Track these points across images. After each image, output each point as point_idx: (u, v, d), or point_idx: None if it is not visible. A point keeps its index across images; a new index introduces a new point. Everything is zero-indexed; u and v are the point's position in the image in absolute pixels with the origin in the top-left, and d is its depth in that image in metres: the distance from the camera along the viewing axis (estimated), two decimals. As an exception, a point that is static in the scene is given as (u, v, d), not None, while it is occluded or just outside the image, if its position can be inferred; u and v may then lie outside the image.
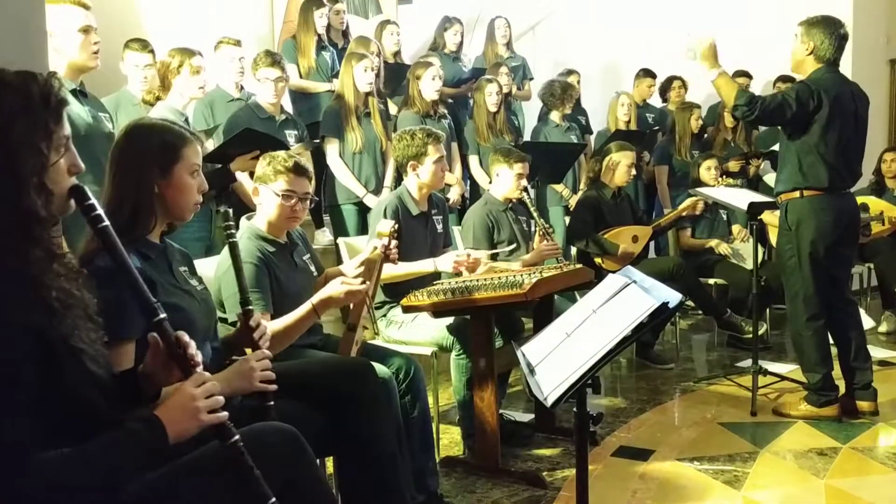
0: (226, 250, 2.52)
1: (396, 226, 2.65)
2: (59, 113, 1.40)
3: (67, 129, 1.42)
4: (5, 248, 1.30)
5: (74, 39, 2.96)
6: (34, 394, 1.28)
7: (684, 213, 4.82)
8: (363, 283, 2.45)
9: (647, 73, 6.41)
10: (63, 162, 1.40)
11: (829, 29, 3.38)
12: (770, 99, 3.39)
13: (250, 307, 1.92)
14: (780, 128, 3.60)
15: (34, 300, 1.30)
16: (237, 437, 1.48)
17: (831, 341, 3.59)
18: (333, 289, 2.40)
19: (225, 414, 1.48)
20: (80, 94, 3.02)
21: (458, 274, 3.18)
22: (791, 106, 3.32)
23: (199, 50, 3.60)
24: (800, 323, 3.53)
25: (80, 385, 1.34)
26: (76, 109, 2.84)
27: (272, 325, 2.36)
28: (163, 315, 1.49)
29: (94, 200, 1.46)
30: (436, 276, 3.27)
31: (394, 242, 2.60)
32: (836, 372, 3.58)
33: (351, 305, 2.68)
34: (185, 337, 1.52)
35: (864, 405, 3.54)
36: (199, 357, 1.52)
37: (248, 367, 1.85)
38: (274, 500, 1.49)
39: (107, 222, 1.47)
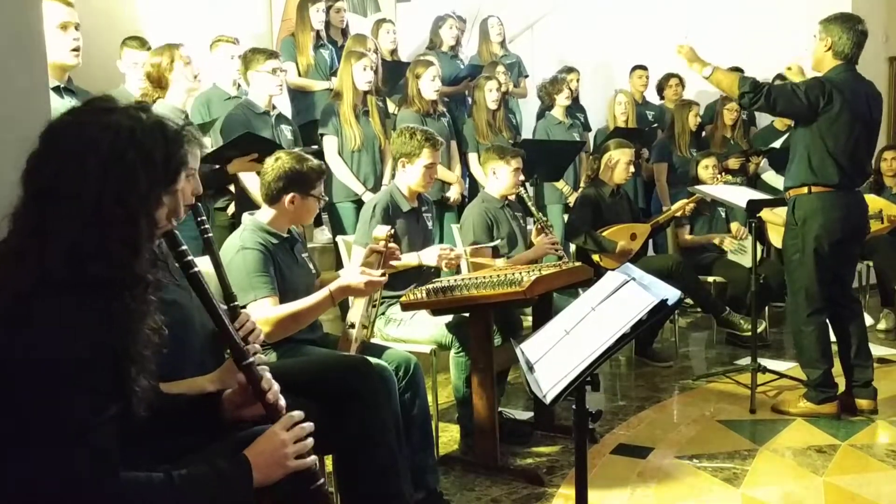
0: (227, 242, 2.56)
1: (392, 231, 2.67)
2: (176, 177, 1.40)
3: (179, 185, 1.42)
4: (115, 305, 1.30)
5: (52, 36, 2.92)
6: (114, 406, 1.30)
7: (678, 214, 4.81)
8: (382, 274, 2.47)
9: (638, 67, 6.43)
10: (166, 213, 1.41)
11: (847, 24, 3.35)
12: (780, 87, 3.36)
13: (236, 303, 1.92)
14: (791, 121, 3.58)
15: (123, 342, 1.31)
16: (322, 480, 1.51)
17: (832, 338, 3.59)
18: (353, 278, 2.43)
19: (313, 458, 1.51)
20: (65, 91, 3.00)
21: (457, 271, 3.18)
22: (800, 98, 3.30)
23: (181, 42, 3.55)
24: (801, 318, 3.52)
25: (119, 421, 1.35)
26: (60, 108, 2.82)
27: (286, 309, 2.39)
28: (252, 359, 1.54)
29: (185, 246, 1.51)
30: (436, 273, 3.28)
31: (392, 244, 2.61)
32: (836, 369, 3.58)
33: (350, 304, 2.69)
34: (270, 379, 1.56)
35: (863, 403, 3.53)
36: (282, 401, 1.56)
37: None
38: None
39: (198, 268, 1.53)
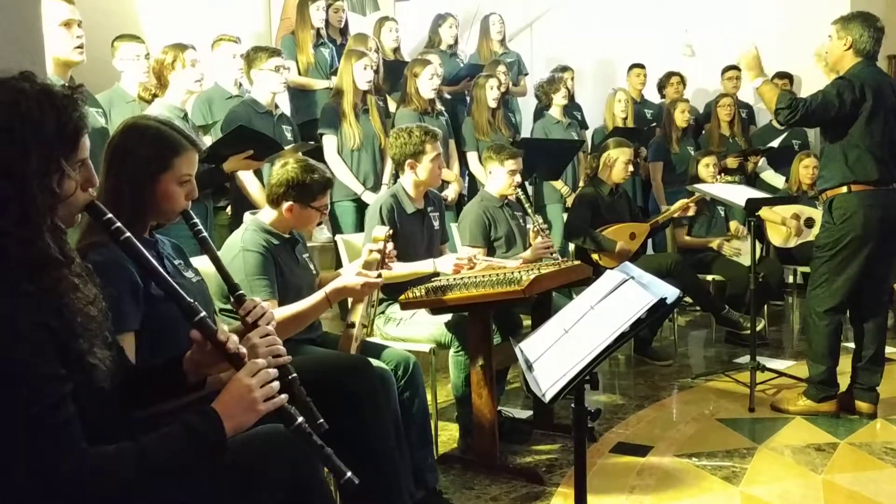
0: (228, 241, 2.57)
1: (391, 231, 2.67)
2: (75, 144, 1.35)
3: (84, 153, 1.38)
4: (31, 287, 1.28)
5: (56, 34, 2.93)
6: (68, 384, 1.28)
7: (676, 215, 4.81)
8: (378, 276, 2.47)
9: (636, 66, 6.44)
10: (75, 184, 1.37)
11: (867, 23, 3.36)
12: (811, 99, 3.33)
13: (240, 292, 1.92)
14: (819, 127, 3.56)
15: (57, 319, 1.29)
16: (300, 419, 1.49)
17: (846, 338, 3.56)
18: (349, 280, 2.44)
19: (284, 397, 1.48)
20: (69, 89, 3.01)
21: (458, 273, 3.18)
22: (835, 104, 3.28)
23: (193, 44, 3.57)
24: (818, 312, 3.49)
25: (83, 397, 1.34)
26: None
27: (282, 312, 2.40)
28: (203, 314, 1.51)
29: (110, 214, 1.46)
30: (435, 273, 3.27)
31: (389, 246, 2.61)
32: (841, 367, 3.56)
33: (349, 303, 2.69)
34: (225, 330, 1.54)
35: (863, 406, 3.51)
36: (243, 349, 1.54)
37: (250, 345, 1.84)
38: (349, 474, 1.51)
39: (128, 234, 1.48)
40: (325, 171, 2.67)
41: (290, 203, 2.58)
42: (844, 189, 3.38)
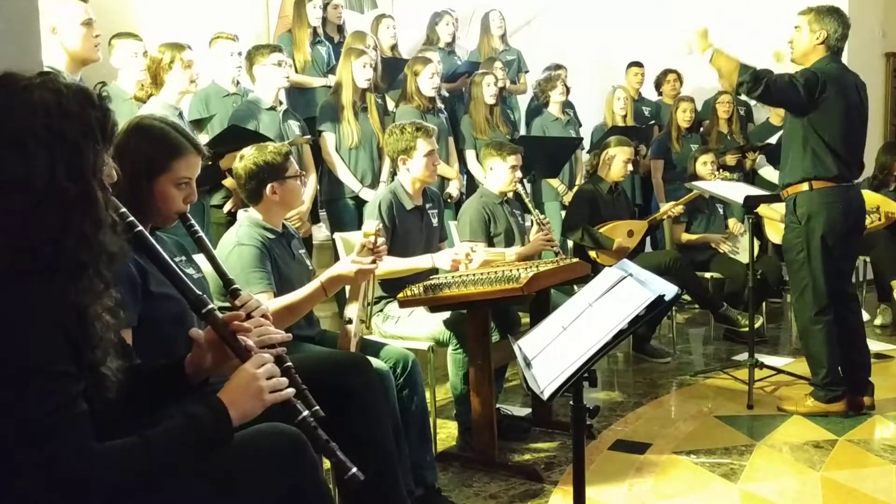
0: (223, 238, 2.58)
1: (380, 225, 2.67)
2: (111, 140, 1.38)
3: (111, 150, 1.41)
4: (56, 289, 1.28)
5: (78, 32, 3.00)
6: (82, 386, 1.29)
7: (672, 213, 4.81)
8: (372, 261, 2.47)
9: (635, 64, 6.44)
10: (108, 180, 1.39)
11: (841, 18, 3.36)
12: (778, 77, 3.30)
13: (236, 287, 1.93)
14: (785, 113, 3.55)
15: (75, 326, 1.29)
16: (306, 413, 1.49)
17: None
18: (343, 267, 2.46)
19: (291, 390, 1.49)
20: None
21: (456, 269, 3.18)
22: (799, 90, 3.27)
23: (189, 44, 3.57)
24: (808, 317, 3.49)
25: (92, 406, 1.34)
26: None
27: (279, 302, 2.41)
28: (211, 305, 1.53)
29: (124, 209, 1.49)
30: (433, 270, 3.27)
31: (381, 240, 2.61)
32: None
33: (347, 299, 2.69)
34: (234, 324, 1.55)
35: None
36: (250, 342, 1.55)
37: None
38: (354, 470, 1.51)
39: (140, 227, 1.51)
40: (275, 145, 2.70)
41: (271, 185, 2.60)
42: (806, 186, 3.39)
